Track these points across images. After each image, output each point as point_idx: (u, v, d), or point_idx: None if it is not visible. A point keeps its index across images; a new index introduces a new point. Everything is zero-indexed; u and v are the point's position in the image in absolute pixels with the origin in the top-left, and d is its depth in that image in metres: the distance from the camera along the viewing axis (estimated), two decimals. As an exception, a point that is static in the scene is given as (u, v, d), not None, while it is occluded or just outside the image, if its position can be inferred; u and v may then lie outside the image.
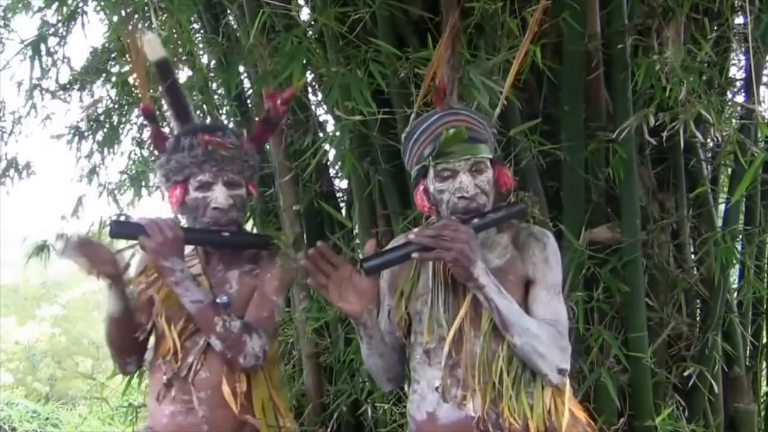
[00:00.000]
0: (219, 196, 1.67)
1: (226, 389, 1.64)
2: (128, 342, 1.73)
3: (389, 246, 1.66)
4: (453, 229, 1.45)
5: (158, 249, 1.57)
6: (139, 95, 3.66)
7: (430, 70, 1.65)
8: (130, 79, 3.50)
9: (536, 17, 1.69)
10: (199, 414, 1.65)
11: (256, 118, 3.17)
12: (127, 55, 3.58)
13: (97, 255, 1.61)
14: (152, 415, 1.72)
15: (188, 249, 1.69)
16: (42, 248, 3.50)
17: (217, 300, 1.66)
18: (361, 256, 1.54)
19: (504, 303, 1.48)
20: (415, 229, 1.54)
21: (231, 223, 1.70)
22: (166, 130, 1.99)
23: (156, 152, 1.83)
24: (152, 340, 1.79)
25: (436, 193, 1.57)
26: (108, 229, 1.63)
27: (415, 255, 1.48)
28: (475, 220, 1.53)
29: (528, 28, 1.70)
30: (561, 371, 1.50)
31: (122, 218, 1.66)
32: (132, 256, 1.81)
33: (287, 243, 1.75)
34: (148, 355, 1.78)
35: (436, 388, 1.54)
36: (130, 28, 1.94)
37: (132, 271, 1.80)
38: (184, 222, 1.75)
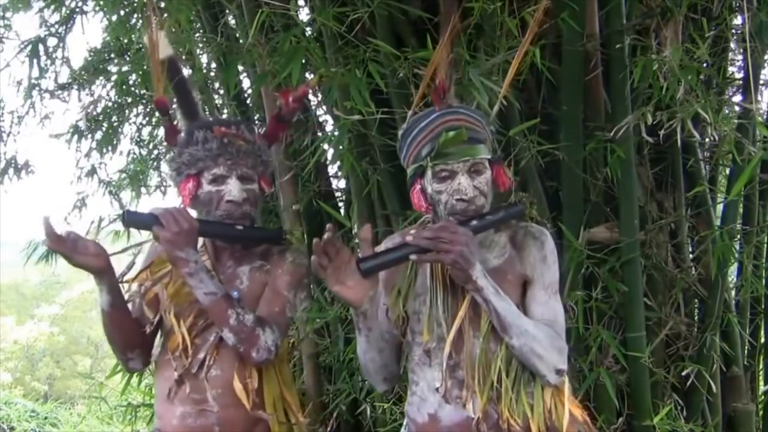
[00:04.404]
0: (233, 189, 1.66)
1: (237, 385, 1.63)
2: (127, 337, 1.71)
3: (384, 245, 1.66)
4: (452, 231, 1.43)
5: (173, 239, 1.55)
6: (140, 94, 3.71)
7: (430, 69, 1.64)
8: (133, 76, 3.51)
9: (537, 18, 1.69)
10: (211, 415, 1.63)
11: (256, 117, 3.20)
12: (127, 53, 3.60)
13: (84, 248, 1.60)
14: (161, 416, 1.70)
15: (198, 245, 1.66)
16: (47, 251, 3.51)
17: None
18: (360, 255, 1.54)
19: (502, 305, 1.47)
20: (412, 230, 1.52)
21: (244, 217, 1.69)
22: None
23: (167, 146, 1.82)
24: (159, 340, 1.78)
25: (433, 194, 1.55)
26: (121, 218, 1.61)
27: (413, 257, 1.46)
28: (474, 222, 1.52)
29: (527, 29, 1.70)
30: (558, 372, 1.50)
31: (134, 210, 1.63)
32: (137, 254, 1.81)
33: (299, 238, 1.75)
34: (156, 352, 1.76)
35: (437, 389, 1.53)
36: (146, 23, 1.94)
37: (136, 268, 1.79)
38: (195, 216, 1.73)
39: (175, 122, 1.79)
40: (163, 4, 2.78)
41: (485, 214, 1.55)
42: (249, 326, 1.59)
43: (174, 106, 1.90)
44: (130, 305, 1.73)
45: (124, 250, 1.82)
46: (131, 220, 1.61)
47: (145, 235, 1.69)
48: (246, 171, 1.69)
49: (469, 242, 1.44)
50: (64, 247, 1.58)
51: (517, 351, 1.49)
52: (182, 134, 1.73)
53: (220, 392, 1.64)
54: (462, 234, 1.43)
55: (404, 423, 1.67)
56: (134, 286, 1.75)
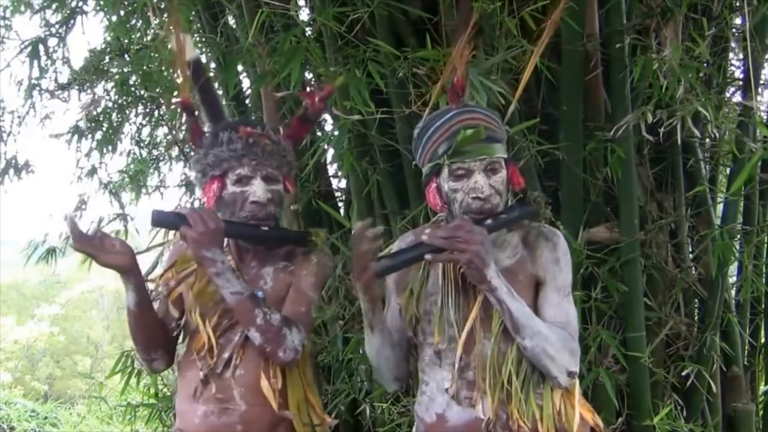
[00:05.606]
0: (258, 190, 1.65)
1: (265, 384, 1.62)
2: (152, 336, 1.70)
3: (397, 245, 1.66)
4: (467, 230, 1.44)
5: (200, 239, 1.54)
6: (140, 94, 3.70)
7: (448, 67, 1.64)
8: (133, 76, 3.51)
9: (554, 18, 1.68)
10: (234, 413, 1.63)
11: (254, 117, 3.19)
12: (127, 53, 3.60)
13: (110, 246, 1.59)
14: (182, 414, 1.70)
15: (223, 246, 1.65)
16: (48, 251, 3.51)
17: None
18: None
19: (515, 305, 1.47)
20: (428, 230, 1.52)
21: (269, 218, 1.69)
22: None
23: (192, 147, 1.81)
24: (182, 340, 1.78)
25: (449, 192, 1.55)
26: (150, 218, 1.59)
27: (428, 257, 1.47)
28: (489, 221, 1.52)
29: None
30: (570, 374, 1.50)
31: (161, 209, 1.62)
32: (160, 254, 1.81)
33: (323, 239, 1.75)
34: (180, 351, 1.76)
35: (446, 390, 1.54)
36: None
37: (160, 268, 1.79)
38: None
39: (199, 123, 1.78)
40: (163, 5, 2.78)
41: (499, 213, 1.55)
42: (276, 326, 1.58)
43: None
44: (155, 305, 1.72)
45: (147, 250, 1.82)
46: (159, 219, 1.60)
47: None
48: (271, 171, 1.68)
49: (485, 241, 1.44)
50: (91, 246, 1.57)
51: (530, 352, 1.48)
52: (207, 135, 1.72)
53: (244, 391, 1.64)
54: (478, 233, 1.44)
55: (415, 423, 1.67)
56: (159, 285, 1.74)
